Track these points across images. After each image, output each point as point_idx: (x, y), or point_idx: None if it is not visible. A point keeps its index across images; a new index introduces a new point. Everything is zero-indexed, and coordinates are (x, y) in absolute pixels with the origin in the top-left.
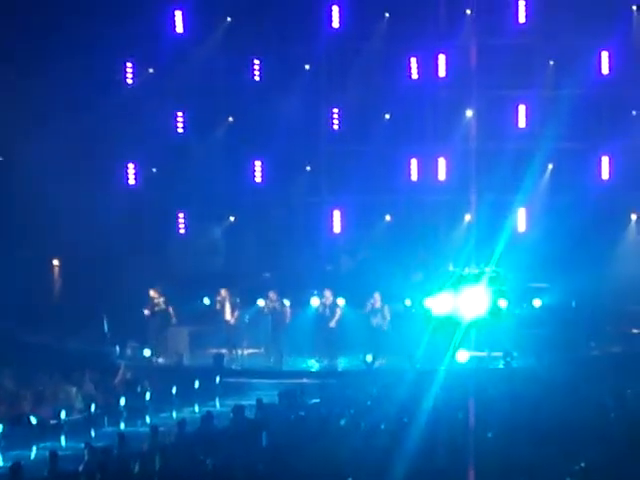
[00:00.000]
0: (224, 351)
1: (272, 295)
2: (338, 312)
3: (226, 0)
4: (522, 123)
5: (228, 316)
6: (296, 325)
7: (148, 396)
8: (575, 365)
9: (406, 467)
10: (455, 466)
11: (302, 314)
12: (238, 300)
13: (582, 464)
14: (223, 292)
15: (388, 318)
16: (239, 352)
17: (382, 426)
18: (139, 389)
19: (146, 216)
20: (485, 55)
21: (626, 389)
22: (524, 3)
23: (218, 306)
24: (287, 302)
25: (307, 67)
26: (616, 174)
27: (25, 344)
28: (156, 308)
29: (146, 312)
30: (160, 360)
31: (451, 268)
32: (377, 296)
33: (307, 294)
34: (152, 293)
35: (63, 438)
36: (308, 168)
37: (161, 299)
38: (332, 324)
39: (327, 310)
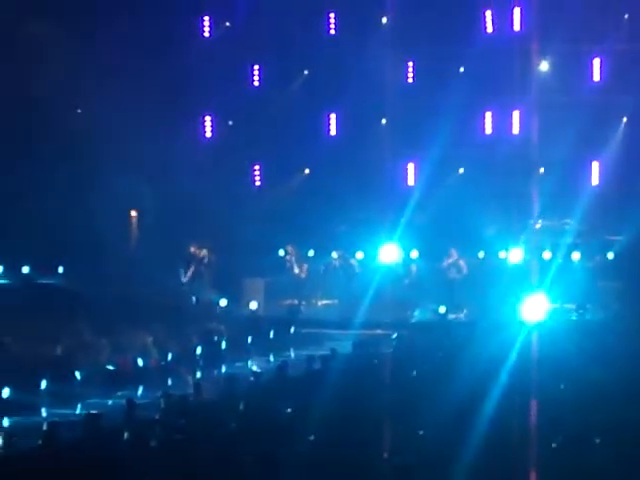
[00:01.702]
0: (297, 302)
1: (336, 252)
2: (413, 267)
3: None
4: (597, 76)
5: (296, 270)
6: (369, 277)
7: (224, 345)
8: None
9: (475, 417)
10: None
11: (374, 266)
12: (310, 253)
13: None
14: (290, 248)
15: (464, 272)
16: (313, 302)
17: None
18: (215, 338)
19: (222, 168)
20: (559, 8)
21: None
22: None
23: (288, 259)
24: (360, 255)
25: (382, 21)
26: None
27: (102, 294)
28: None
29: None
30: (236, 310)
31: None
32: (453, 251)
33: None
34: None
35: (140, 387)
36: (384, 121)
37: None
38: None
39: (400, 263)
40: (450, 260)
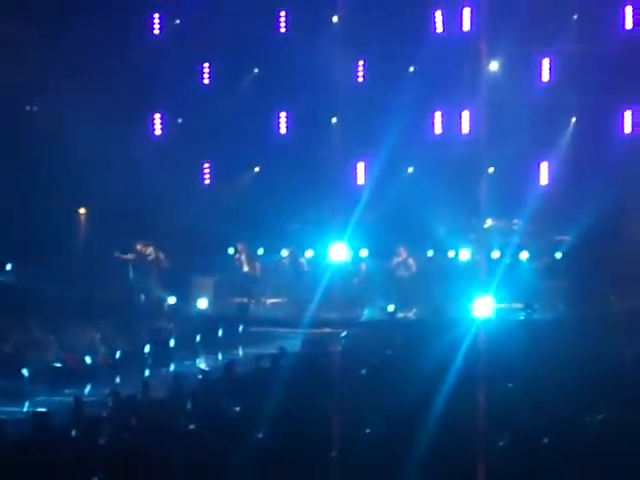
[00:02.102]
0: (246, 300)
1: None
2: (363, 266)
3: None
4: (546, 76)
5: (246, 268)
6: (318, 276)
7: (172, 343)
8: (594, 319)
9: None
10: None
11: (324, 264)
12: (260, 251)
13: (600, 416)
14: (240, 245)
15: (413, 270)
16: (262, 301)
17: (402, 376)
18: (163, 336)
19: (172, 166)
20: (508, 8)
21: None
22: None
23: (237, 257)
24: (310, 253)
25: (333, 19)
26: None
27: (51, 293)
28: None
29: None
30: (185, 308)
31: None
32: (402, 249)
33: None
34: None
35: (88, 385)
36: (334, 120)
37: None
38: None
39: (350, 261)
40: (399, 259)
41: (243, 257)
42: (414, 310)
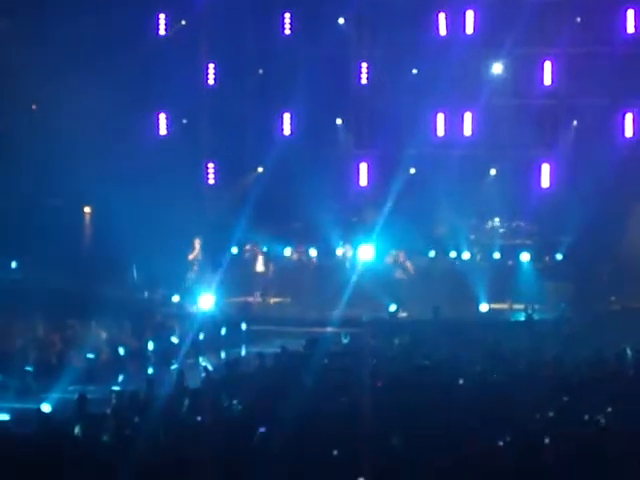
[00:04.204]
0: (250, 299)
1: (299, 246)
2: (360, 264)
3: None
4: (547, 80)
5: (260, 267)
6: (322, 275)
7: (176, 341)
8: (595, 319)
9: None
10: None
11: (328, 265)
12: (265, 250)
13: (600, 417)
14: (249, 246)
15: (411, 271)
16: (266, 300)
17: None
18: (167, 334)
19: (176, 166)
20: (512, 11)
21: None
22: None
23: (246, 256)
24: (314, 252)
25: (339, 21)
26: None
27: (56, 290)
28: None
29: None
30: (190, 307)
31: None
32: (401, 253)
33: (333, 245)
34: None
35: (91, 381)
36: (339, 121)
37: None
38: (353, 276)
39: (348, 262)
40: (397, 259)
41: (258, 256)
42: (409, 311)
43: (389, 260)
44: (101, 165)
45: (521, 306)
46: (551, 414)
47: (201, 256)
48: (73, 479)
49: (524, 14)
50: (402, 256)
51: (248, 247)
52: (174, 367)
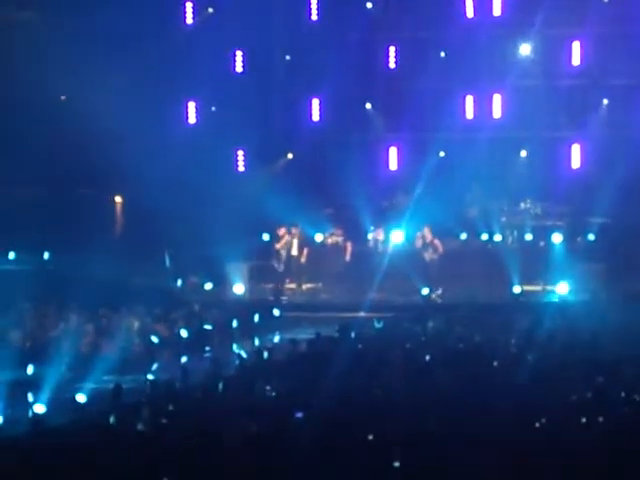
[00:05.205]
0: (283, 286)
1: (336, 231)
2: (391, 247)
3: None
4: (576, 60)
5: (292, 253)
6: (354, 260)
7: (209, 329)
8: (627, 299)
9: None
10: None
11: (359, 250)
12: (297, 236)
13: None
14: (283, 230)
15: (440, 251)
16: (300, 287)
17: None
18: (200, 322)
19: (206, 154)
20: None
21: None
22: None
23: (282, 242)
24: (345, 237)
25: (367, 5)
26: None
27: (89, 280)
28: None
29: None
30: (224, 294)
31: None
32: (427, 230)
33: (364, 230)
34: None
35: (126, 371)
36: (368, 106)
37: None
38: (385, 260)
39: (380, 246)
40: (424, 239)
41: (289, 242)
42: (440, 293)
43: (418, 242)
44: (131, 155)
45: (552, 287)
46: (588, 395)
47: (234, 243)
48: (108, 469)
49: None
50: (428, 233)
51: (280, 233)
52: (209, 355)
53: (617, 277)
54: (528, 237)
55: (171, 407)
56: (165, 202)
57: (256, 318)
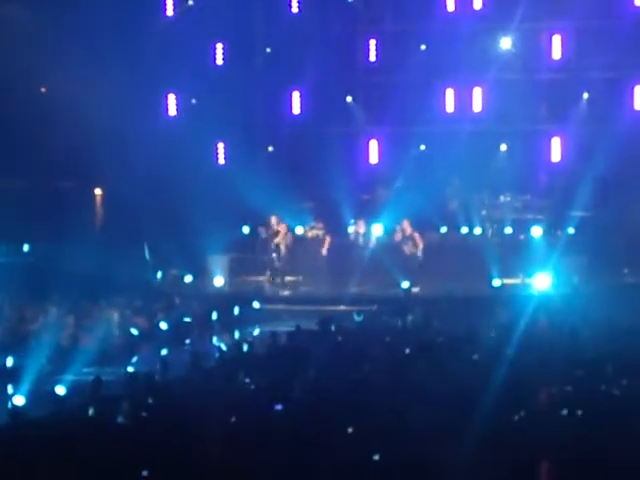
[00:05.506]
0: (262, 279)
1: (317, 224)
2: (372, 240)
3: None
4: (557, 54)
5: (272, 246)
6: (334, 254)
7: (189, 321)
8: (608, 292)
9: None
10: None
11: (340, 243)
12: (277, 229)
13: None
14: (260, 225)
15: (420, 245)
16: (279, 279)
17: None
18: (180, 314)
19: (186, 146)
20: None
21: None
22: None
23: (280, 236)
24: (325, 231)
25: None
26: None
27: (69, 273)
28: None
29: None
30: (203, 286)
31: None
32: (406, 223)
33: (344, 223)
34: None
35: (105, 363)
36: (349, 99)
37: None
38: (365, 253)
39: (361, 239)
40: (404, 234)
41: (269, 235)
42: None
43: (397, 235)
44: (111, 147)
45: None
46: (567, 388)
47: (214, 236)
48: (88, 461)
49: None
50: (408, 226)
51: (260, 226)
52: (188, 347)
53: (597, 270)
54: (508, 230)
55: (151, 400)
56: (145, 194)
57: (236, 311)
